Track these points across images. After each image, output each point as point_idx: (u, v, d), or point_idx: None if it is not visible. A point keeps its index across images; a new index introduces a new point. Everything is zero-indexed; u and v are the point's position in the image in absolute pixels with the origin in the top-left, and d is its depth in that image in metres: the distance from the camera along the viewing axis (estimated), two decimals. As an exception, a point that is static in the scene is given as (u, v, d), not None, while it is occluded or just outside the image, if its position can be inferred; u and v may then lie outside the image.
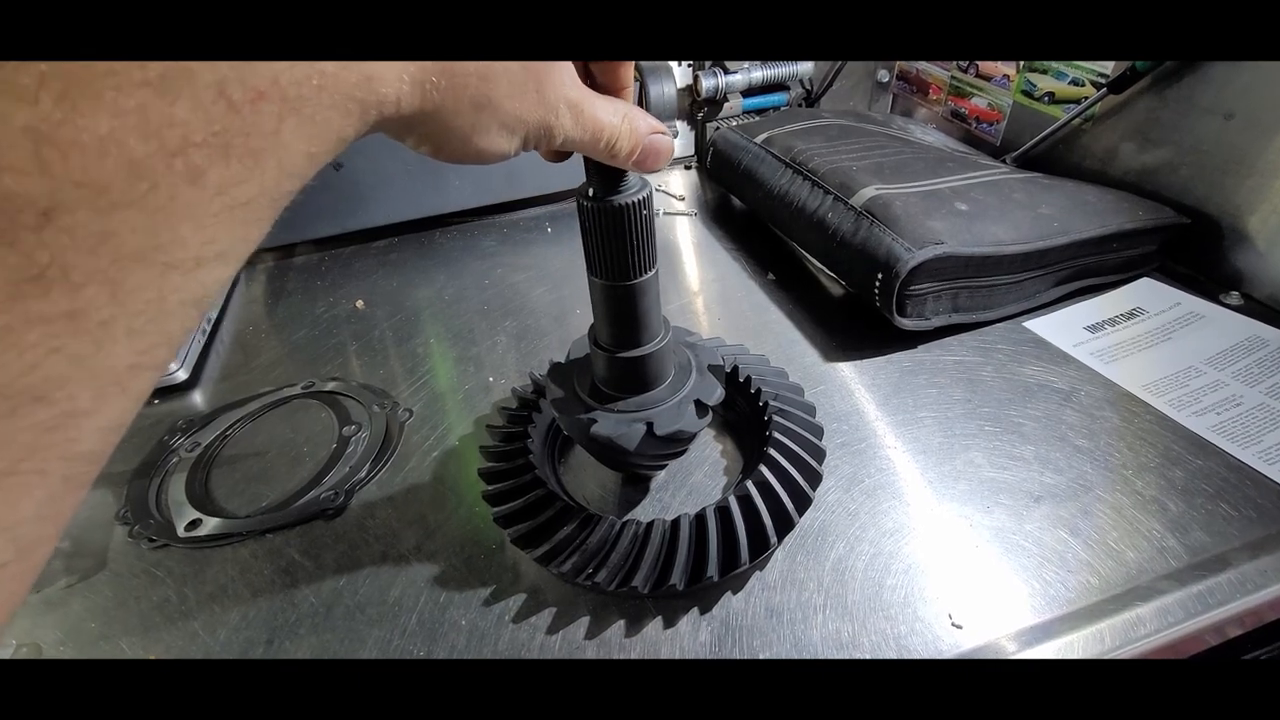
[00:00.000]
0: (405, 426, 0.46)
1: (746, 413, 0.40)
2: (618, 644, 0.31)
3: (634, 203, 0.27)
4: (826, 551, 0.34)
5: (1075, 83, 0.59)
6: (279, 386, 0.50)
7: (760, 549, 0.31)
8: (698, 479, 0.39)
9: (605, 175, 0.27)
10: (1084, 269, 0.50)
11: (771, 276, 0.58)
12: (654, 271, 0.30)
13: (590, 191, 0.27)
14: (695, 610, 0.32)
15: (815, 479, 0.34)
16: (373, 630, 0.32)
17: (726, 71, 0.76)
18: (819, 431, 0.37)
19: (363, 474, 0.41)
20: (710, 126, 0.78)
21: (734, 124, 0.73)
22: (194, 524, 0.39)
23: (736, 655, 0.30)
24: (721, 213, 0.72)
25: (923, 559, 0.33)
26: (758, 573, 0.33)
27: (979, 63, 0.70)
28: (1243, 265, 0.49)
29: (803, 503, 0.33)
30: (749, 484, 0.33)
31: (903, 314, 0.46)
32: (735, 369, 0.41)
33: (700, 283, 0.60)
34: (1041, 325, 0.48)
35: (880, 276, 0.45)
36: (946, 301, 0.47)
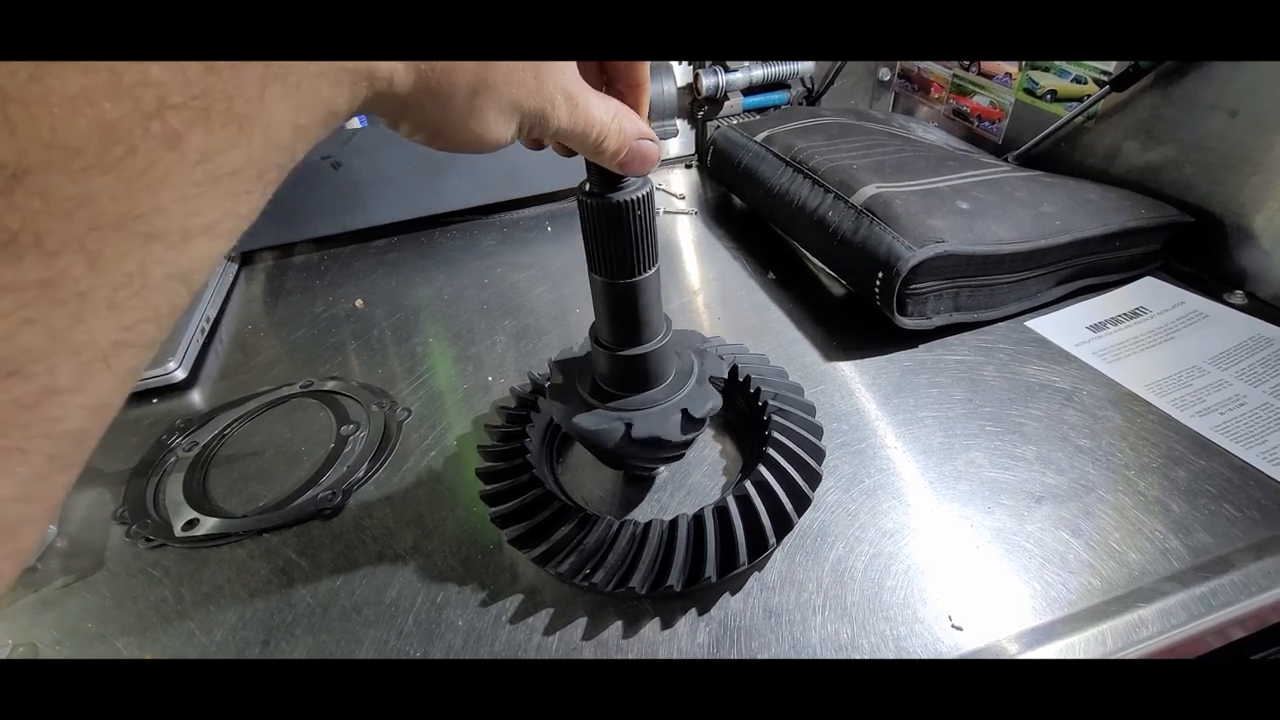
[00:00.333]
0: (403, 426, 0.45)
1: (746, 412, 0.40)
2: (615, 645, 0.31)
3: (635, 199, 0.27)
4: (826, 552, 0.34)
5: (1078, 80, 0.59)
6: (277, 386, 0.50)
7: (759, 550, 0.31)
8: (696, 479, 0.39)
9: (606, 171, 0.27)
10: (1086, 268, 0.49)
11: (772, 275, 0.58)
12: (655, 269, 0.30)
13: (591, 187, 0.27)
14: (693, 611, 0.32)
15: (815, 479, 0.34)
16: (369, 631, 0.32)
17: (727, 70, 0.76)
18: (818, 431, 0.37)
19: (360, 473, 0.41)
20: (711, 125, 0.78)
21: (734, 122, 0.73)
22: (191, 524, 0.39)
23: (735, 656, 0.30)
24: (722, 211, 0.71)
25: (923, 560, 0.33)
26: (756, 573, 0.33)
27: (981, 61, 0.70)
28: (1247, 264, 0.48)
29: (802, 503, 0.33)
30: (747, 484, 0.33)
31: (903, 313, 0.45)
32: (735, 368, 0.41)
33: (700, 281, 0.59)
34: (1043, 324, 0.48)
35: (881, 275, 0.44)
36: (948, 300, 0.46)
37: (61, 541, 0.39)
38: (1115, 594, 0.30)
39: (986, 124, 0.71)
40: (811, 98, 0.83)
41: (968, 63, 0.72)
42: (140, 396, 0.51)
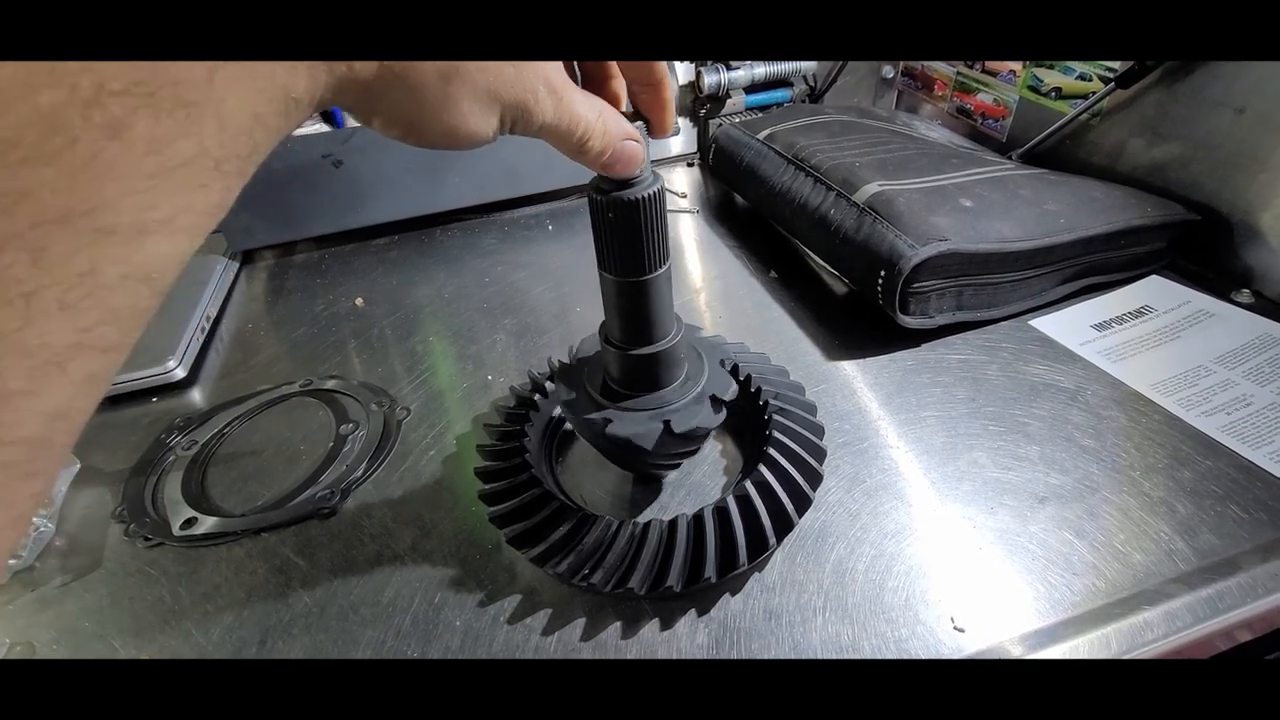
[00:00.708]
0: (403, 425, 0.45)
1: (746, 412, 0.40)
2: (614, 646, 0.30)
3: (647, 196, 0.26)
4: (827, 553, 0.33)
5: (1083, 77, 0.58)
6: (277, 384, 0.50)
7: (759, 550, 0.31)
8: (696, 479, 0.38)
9: None
10: (1091, 266, 0.49)
11: (774, 274, 0.58)
12: (667, 267, 0.29)
13: (602, 184, 0.27)
14: (693, 612, 0.31)
15: (815, 479, 0.34)
16: (366, 630, 0.32)
17: (729, 68, 0.75)
18: (820, 431, 0.37)
19: (359, 473, 0.41)
20: (713, 123, 0.78)
21: (737, 120, 0.72)
22: (189, 523, 0.39)
23: (735, 657, 0.29)
24: (724, 210, 0.71)
25: (925, 561, 0.33)
26: (756, 574, 0.33)
27: (985, 58, 0.70)
28: (1254, 262, 0.48)
29: (802, 503, 0.33)
30: (748, 484, 0.32)
31: (906, 312, 0.45)
32: (735, 367, 0.40)
33: (702, 280, 0.59)
34: (1047, 323, 0.47)
35: (883, 274, 0.44)
36: (950, 299, 0.46)
37: (60, 540, 0.39)
38: (1120, 596, 0.30)
39: (990, 121, 0.71)
40: (814, 95, 0.82)
41: (972, 60, 0.71)
42: (140, 395, 0.50)
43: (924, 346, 0.46)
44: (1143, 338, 0.45)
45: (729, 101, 0.78)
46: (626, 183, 0.26)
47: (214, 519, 0.39)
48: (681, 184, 0.77)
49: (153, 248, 0.14)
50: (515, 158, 0.68)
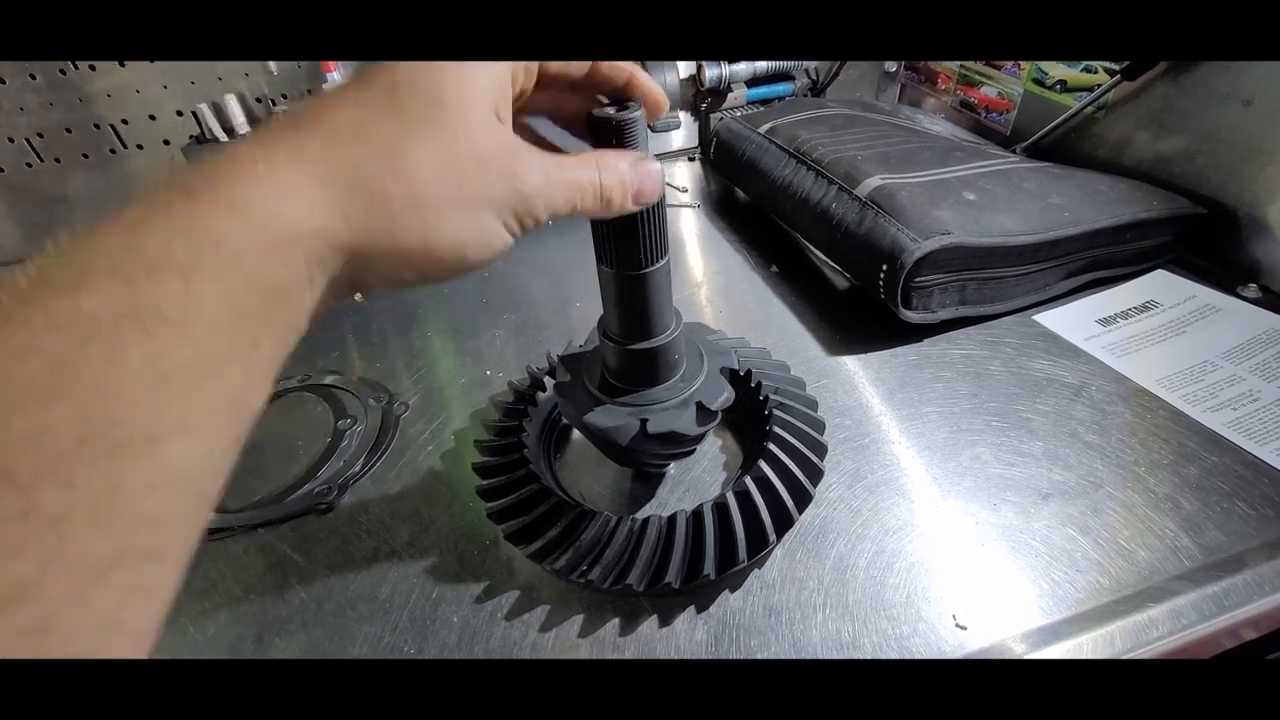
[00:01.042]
0: (401, 420, 0.45)
1: (747, 407, 0.39)
2: (611, 643, 0.30)
3: None
4: (827, 549, 0.33)
5: (1088, 70, 0.58)
6: (275, 380, 0.50)
7: (759, 546, 0.31)
8: (696, 474, 0.38)
9: None
10: (1096, 260, 0.48)
11: (775, 269, 0.57)
12: (665, 261, 0.29)
13: None
14: (692, 609, 0.31)
15: (816, 475, 0.34)
16: (363, 627, 0.32)
17: (731, 61, 0.75)
18: (820, 426, 0.36)
19: (357, 468, 0.41)
20: (714, 117, 0.77)
21: (738, 115, 0.72)
22: (186, 518, 0.38)
23: (734, 655, 0.29)
24: (725, 205, 0.71)
25: (926, 558, 0.32)
26: (756, 571, 0.32)
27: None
28: (1261, 256, 0.47)
29: (803, 499, 0.32)
30: (748, 480, 0.32)
31: (908, 306, 0.44)
32: (734, 374, 0.40)
33: (703, 275, 0.59)
34: (1051, 318, 0.47)
35: (885, 268, 0.44)
36: (953, 294, 0.45)
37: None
38: (1124, 593, 0.30)
39: (994, 115, 0.70)
40: (816, 89, 0.82)
41: (975, 53, 0.71)
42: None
43: (926, 341, 0.46)
44: (1148, 333, 0.44)
45: (730, 95, 0.77)
46: None
47: (210, 515, 0.39)
48: (683, 179, 0.77)
49: (171, 452, 0.15)
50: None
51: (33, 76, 0.62)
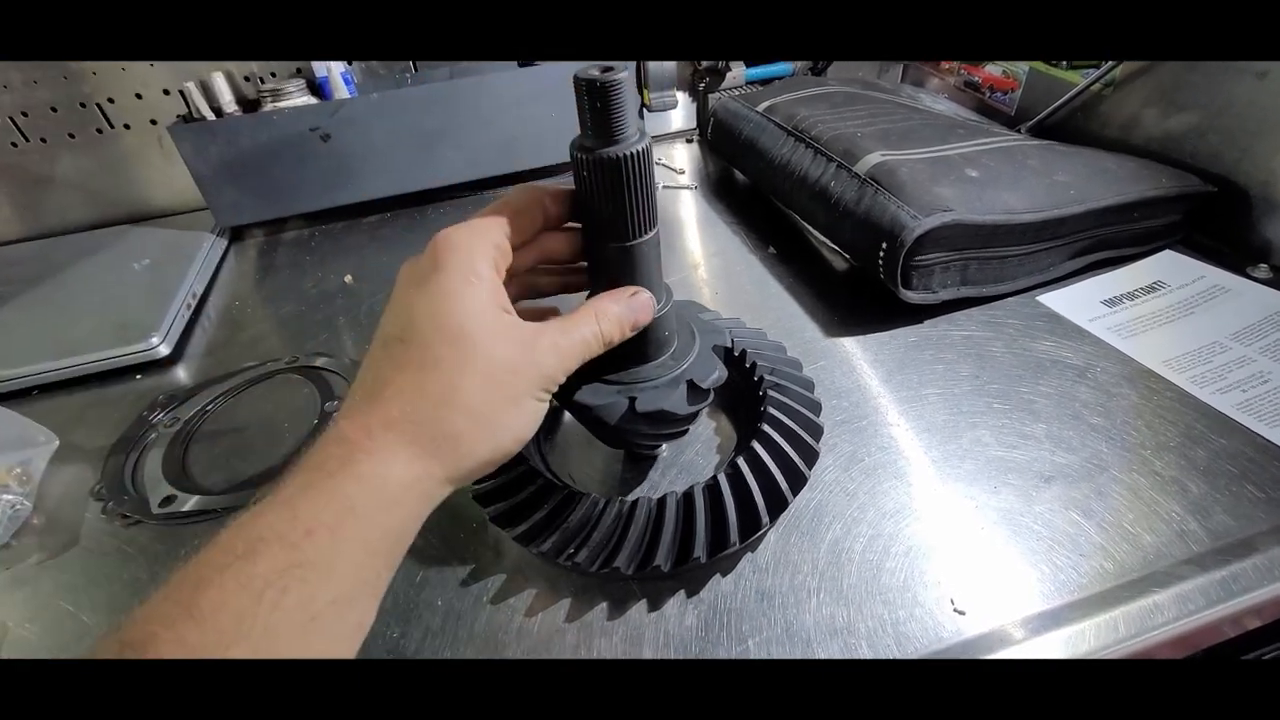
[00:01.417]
0: (389, 402, 0.44)
1: (741, 387, 0.38)
2: (599, 627, 0.29)
3: (633, 154, 0.25)
4: (822, 533, 0.32)
5: (1096, 45, 0.56)
6: (263, 361, 0.49)
7: (751, 529, 0.30)
8: (689, 457, 0.37)
9: (600, 122, 0.24)
10: (1102, 240, 0.47)
11: (773, 251, 0.56)
12: (654, 233, 0.28)
13: (584, 141, 0.25)
14: (682, 593, 0.30)
15: (811, 457, 0.32)
16: (345, 611, 0.31)
17: (730, 59, 0.73)
18: (816, 407, 0.35)
19: (343, 450, 0.40)
20: (712, 97, 0.75)
21: (736, 94, 0.70)
22: (168, 500, 0.38)
23: (725, 640, 0.28)
24: (723, 186, 0.69)
25: (924, 541, 0.31)
26: (749, 554, 0.32)
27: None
28: (1273, 235, 0.46)
29: (797, 481, 0.31)
30: (740, 461, 0.31)
31: (908, 286, 0.43)
32: (729, 352, 0.39)
33: (701, 256, 0.58)
34: (1055, 299, 0.46)
35: (885, 246, 0.42)
36: (955, 274, 0.44)
37: (37, 518, 0.38)
38: (1129, 578, 0.29)
39: (999, 95, 0.68)
40: (817, 68, 0.80)
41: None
42: (123, 372, 0.49)
43: (926, 323, 0.45)
44: (1155, 314, 0.43)
45: (729, 75, 0.75)
46: (611, 140, 0.25)
47: (195, 497, 0.38)
48: (680, 160, 0.75)
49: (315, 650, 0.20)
50: (509, 132, 0.66)
51: (16, 53, 0.60)
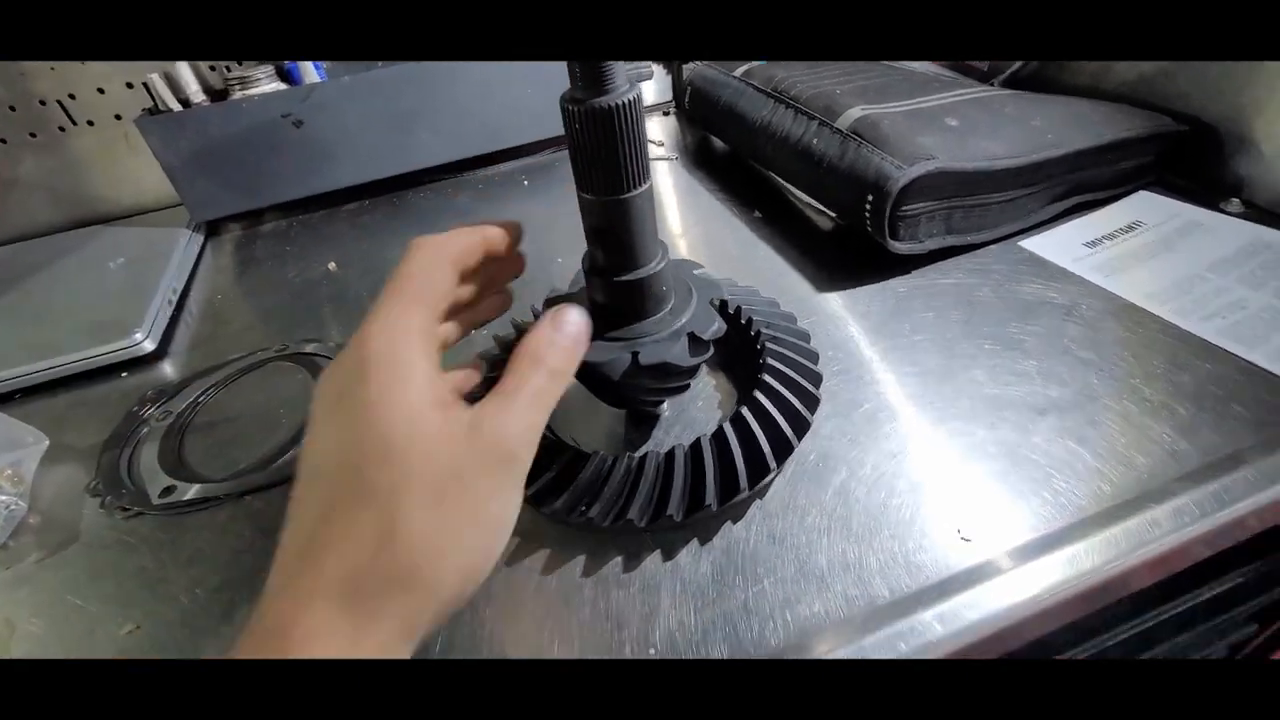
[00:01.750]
0: (385, 382, 0.44)
1: (737, 344, 0.38)
2: (616, 579, 0.30)
3: (624, 103, 0.25)
4: (829, 477, 0.33)
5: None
6: (251, 351, 0.48)
7: (759, 474, 0.30)
8: (691, 414, 0.38)
9: (590, 71, 0.24)
10: (1079, 184, 0.48)
11: (758, 214, 0.56)
12: (648, 185, 0.28)
13: (574, 93, 0.25)
14: (695, 541, 0.31)
15: (812, 402, 0.33)
16: (360, 583, 0.31)
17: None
18: (814, 356, 0.36)
19: (342, 431, 0.40)
20: (687, 67, 0.75)
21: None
22: (168, 490, 0.37)
23: (740, 583, 0.29)
24: (702, 155, 0.69)
25: (927, 478, 0.32)
26: (758, 502, 0.32)
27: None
28: (1243, 171, 0.47)
29: (800, 425, 0.32)
30: (744, 410, 0.31)
31: (895, 237, 0.44)
32: (725, 304, 0.39)
33: (684, 226, 0.58)
34: (1038, 244, 0.47)
35: (871, 198, 0.43)
36: (940, 223, 0.45)
37: (34, 518, 0.38)
38: (1126, 498, 0.30)
39: (971, 51, 0.69)
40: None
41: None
42: (108, 371, 0.48)
43: (914, 273, 0.45)
44: (1135, 251, 0.44)
45: (703, 44, 0.75)
46: (602, 89, 0.25)
47: (195, 485, 0.37)
48: (658, 132, 0.75)
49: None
50: (489, 112, 0.66)
51: (-32, 51, 0.58)
